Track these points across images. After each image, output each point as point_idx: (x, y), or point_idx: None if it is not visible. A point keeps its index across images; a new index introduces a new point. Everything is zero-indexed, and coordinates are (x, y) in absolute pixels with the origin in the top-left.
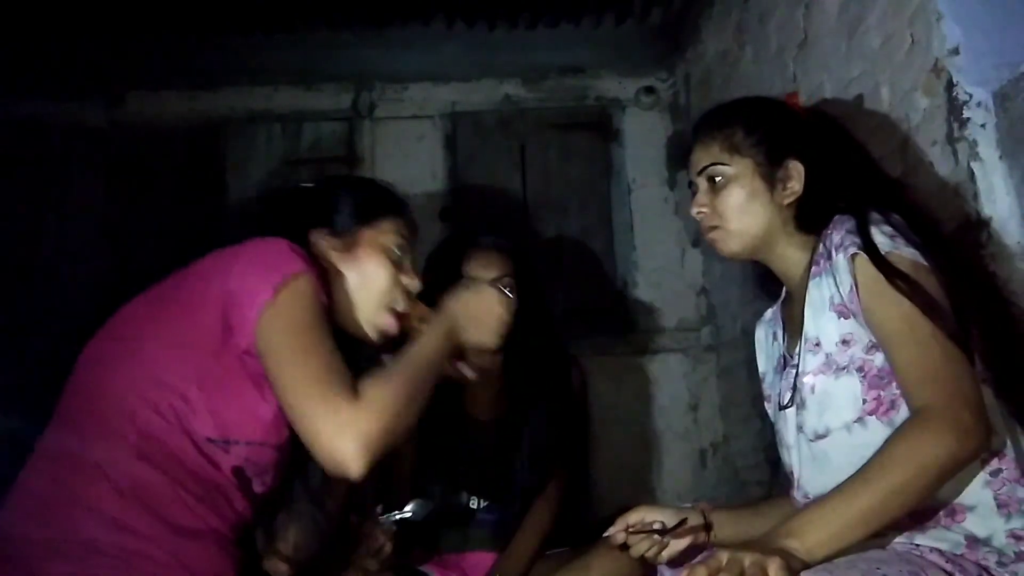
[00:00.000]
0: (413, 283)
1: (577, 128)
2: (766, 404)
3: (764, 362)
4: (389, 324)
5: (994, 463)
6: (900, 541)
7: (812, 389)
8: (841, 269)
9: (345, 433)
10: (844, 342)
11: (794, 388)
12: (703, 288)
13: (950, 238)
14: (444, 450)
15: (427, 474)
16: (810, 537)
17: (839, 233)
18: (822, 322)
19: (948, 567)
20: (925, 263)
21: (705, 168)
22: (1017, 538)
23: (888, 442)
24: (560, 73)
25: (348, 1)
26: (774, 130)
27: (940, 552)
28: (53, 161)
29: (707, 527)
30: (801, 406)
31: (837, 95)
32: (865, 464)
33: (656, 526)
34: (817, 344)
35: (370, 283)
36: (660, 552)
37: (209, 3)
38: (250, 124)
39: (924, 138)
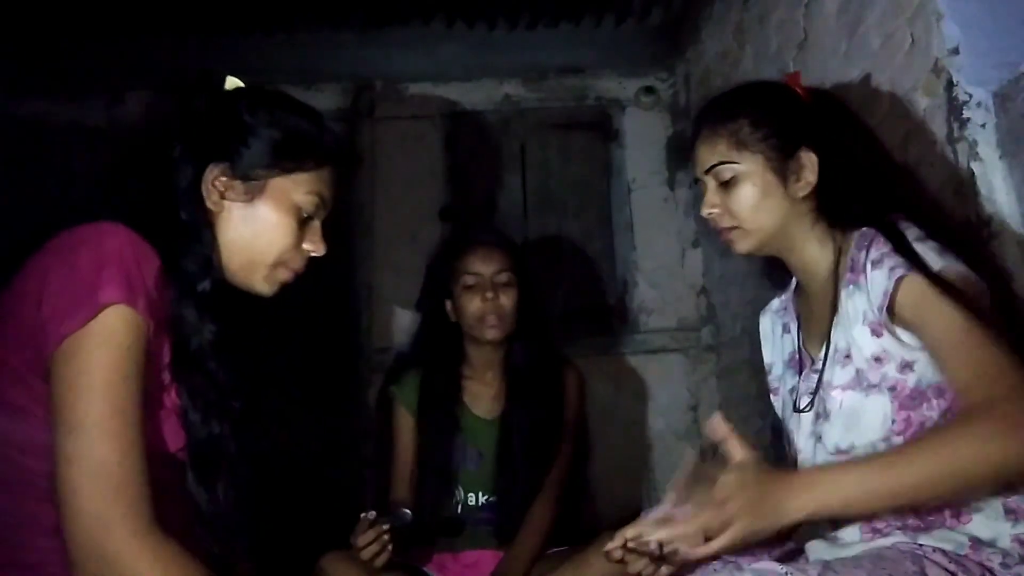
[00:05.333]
0: (317, 249)
1: (577, 128)
2: (772, 397)
3: (770, 353)
4: (267, 291)
5: None
6: (904, 541)
7: (840, 404)
8: (877, 288)
9: (100, 569)
10: (877, 359)
11: (815, 394)
12: (703, 288)
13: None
14: (445, 448)
15: (427, 471)
16: (821, 495)
17: (878, 249)
18: (854, 335)
19: (952, 567)
20: (976, 278)
21: (713, 167)
22: (1022, 543)
23: (949, 425)
24: (560, 73)
25: (348, 1)
26: (782, 121)
27: (944, 552)
28: (53, 161)
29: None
30: (824, 417)
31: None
32: (917, 439)
33: (653, 546)
34: (847, 356)
35: (263, 246)
36: (656, 573)
37: (209, 3)
38: None
39: (924, 138)
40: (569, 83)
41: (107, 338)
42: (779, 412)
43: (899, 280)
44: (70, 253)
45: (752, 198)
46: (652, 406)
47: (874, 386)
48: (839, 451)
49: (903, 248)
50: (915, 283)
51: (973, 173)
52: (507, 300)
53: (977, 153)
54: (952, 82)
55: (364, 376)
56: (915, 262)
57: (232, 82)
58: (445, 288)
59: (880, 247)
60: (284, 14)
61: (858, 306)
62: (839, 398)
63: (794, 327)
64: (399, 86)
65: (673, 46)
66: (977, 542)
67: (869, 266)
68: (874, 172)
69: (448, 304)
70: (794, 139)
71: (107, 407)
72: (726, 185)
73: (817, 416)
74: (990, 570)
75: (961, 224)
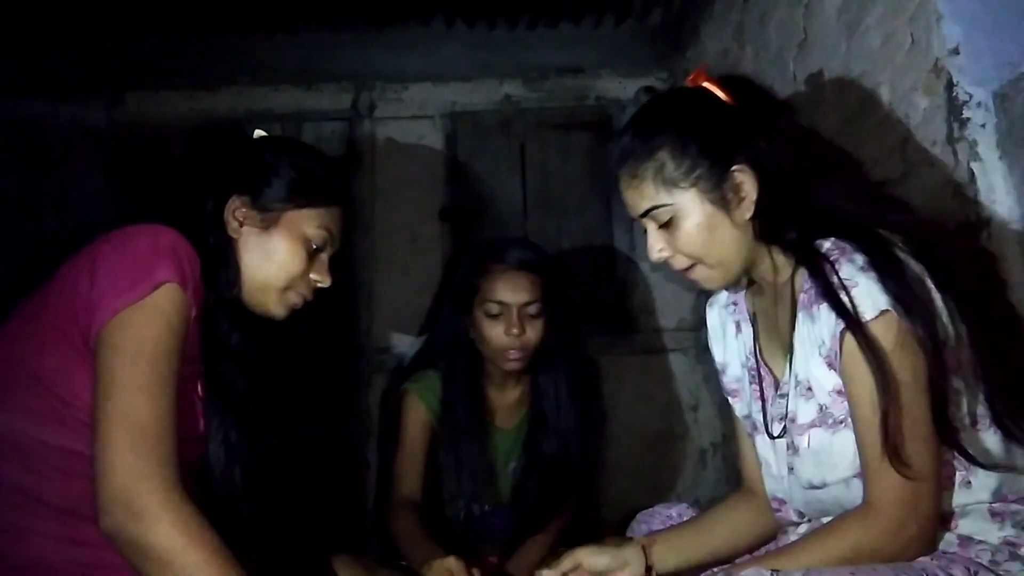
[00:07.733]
0: (323, 280)
1: (577, 128)
2: (731, 399)
3: (722, 352)
4: (280, 313)
5: (994, 484)
6: None
7: (808, 443)
8: (826, 329)
9: (127, 516)
10: (839, 392)
11: (785, 417)
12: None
13: (950, 238)
14: (458, 456)
15: (447, 486)
16: None
17: (836, 275)
18: (811, 367)
19: (941, 563)
20: (912, 327)
21: (647, 212)
22: (1010, 544)
23: (836, 523)
24: (560, 73)
25: (348, 1)
26: (704, 140)
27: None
28: (53, 161)
29: (648, 569)
30: (794, 451)
31: (837, 95)
32: (814, 533)
33: None
34: (809, 389)
35: (274, 271)
36: None
37: (209, 3)
38: (250, 124)
39: (924, 138)
40: (569, 83)
41: (160, 313)
42: (738, 411)
43: (843, 332)
44: (126, 241)
45: (699, 236)
46: (652, 406)
47: (840, 422)
48: (812, 486)
49: (831, 296)
50: (850, 340)
51: (973, 173)
52: (534, 333)
53: (977, 153)
54: (952, 82)
55: (364, 376)
56: (845, 316)
57: (258, 133)
58: (465, 304)
59: (834, 276)
60: (284, 14)
61: (814, 335)
62: (806, 436)
63: (748, 329)
64: (399, 86)
65: (673, 46)
66: (966, 540)
67: (819, 298)
68: (810, 178)
69: (466, 319)
70: (723, 157)
71: (151, 374)
72: (667, 225)
73: (788, 447)
74: (981, 565)
75: (961, 224)
